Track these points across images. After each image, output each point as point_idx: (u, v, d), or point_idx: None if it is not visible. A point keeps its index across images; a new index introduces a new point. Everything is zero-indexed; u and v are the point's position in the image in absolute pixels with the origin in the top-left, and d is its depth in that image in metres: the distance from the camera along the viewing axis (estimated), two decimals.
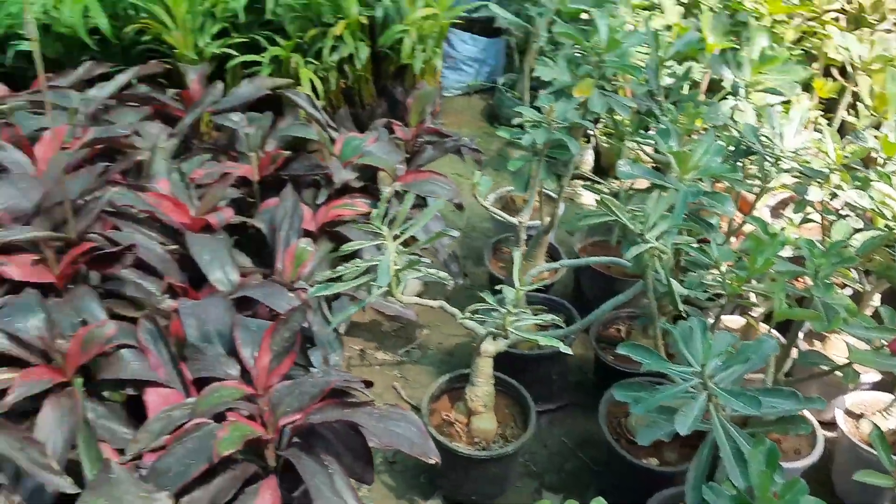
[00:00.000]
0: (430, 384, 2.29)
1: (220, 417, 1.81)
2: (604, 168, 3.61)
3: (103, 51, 3.16)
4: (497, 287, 2.00)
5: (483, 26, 4.18)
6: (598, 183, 2.76)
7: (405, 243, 1.97)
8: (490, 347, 2.09)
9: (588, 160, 3.67)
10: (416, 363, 2.69)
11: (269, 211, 2.51)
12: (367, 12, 3.35)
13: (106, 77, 2.99)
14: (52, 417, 1.77)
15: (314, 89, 3.20)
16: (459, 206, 2.73)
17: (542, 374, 2.43)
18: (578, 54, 2.46)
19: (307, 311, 2.09)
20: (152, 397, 1.90)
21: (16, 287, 2.04)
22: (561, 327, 2.11)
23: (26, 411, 1.81)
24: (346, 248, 1.98)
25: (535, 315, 2.00)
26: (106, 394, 1.94)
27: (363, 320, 2.81)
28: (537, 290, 2.52)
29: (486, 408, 2.15)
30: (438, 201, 2.37)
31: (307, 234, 2.47)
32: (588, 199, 3.52)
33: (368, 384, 1.93)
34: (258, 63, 3.22)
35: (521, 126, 2.31)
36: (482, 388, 2.13)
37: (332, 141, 2.81)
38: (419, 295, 2.82)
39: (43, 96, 2.66)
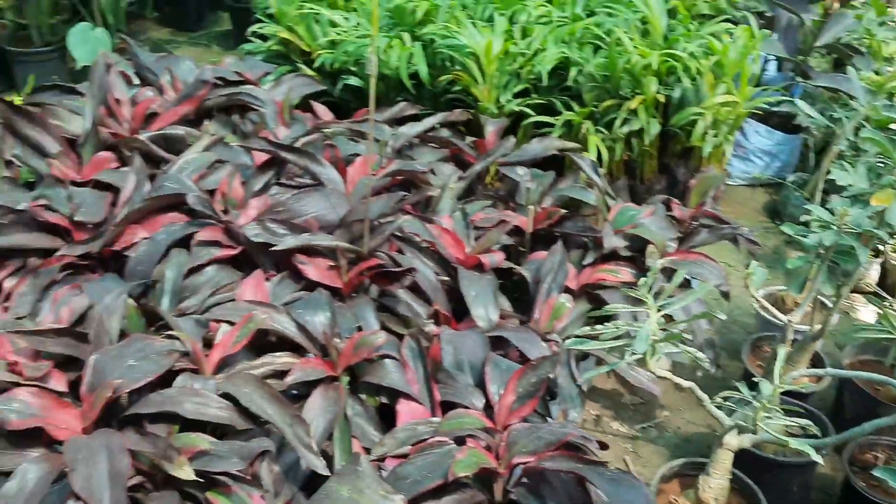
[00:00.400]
0: (662, 465, 2.26)
1: (459, 441, 1.93)
2: (889, 286, 3.36)
3: (416, 94, 3.48)
4: (753, 380, 1.96)
5: (781, 120, 4.08)
6: (884, 299, 2.59)
7: (664, 318, 1.99)
8: (734, 441, 2.03)
9: (873, 275, 3.43)
10: (651, 442, 2.66)
11: (536, 263, 2.62)
12: (665, 91, 3.41)
13: (415, 118, 3.30)
14: (318, 405, 1.98)
15: (599, 157, 3.30)
16: (725, 295, 2.68)
17: (782, 483, 2.30)
18: (881, 163, 2.35)
19: (556, 363, 2.16)
20: (403, 408, 2.06)
21: (311, 285, 2.31)
22: (815, 437, 2.01)
23: (298, 395, 2.05)
24: (608, 309, 2.03)
25: (789, 417, 1.93)
26: (363, 396, 2.13)
27: (605, 387, 2.82)
28: (794, 395, 2.41)
29: (717, 502, 2.08)
30: (705, 284, 2.36)
31: (567, 290, 2.55)
32: (865, 314, 3.29)
33: (603, 446, 1.96)
34: (550, 124, 3.38)
35: (806, 225, 2.25)
36: (717, 481, 2.07)
37: (608, 208, 2.89)
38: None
39: (364, 126, 3.03)
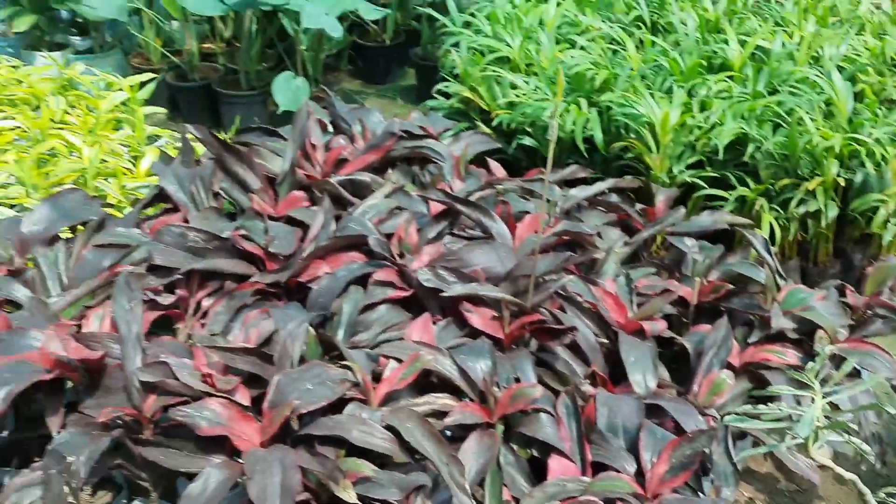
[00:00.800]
0: None
1: (607, 503, 1.96)
2: None
3: (588, 158, 3.56)
4: None
5: None
6: None
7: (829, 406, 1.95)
8: None
9: None
10: None
11: (699, 335, 2.61)
12: (846, 175, 3.32)
13: (585, 181, 3.38)
14: (473, 449, 2.07)
15: (771, 235, 3.25)
16: None
17: None
18: None
19: (713, 438, 2.14)
20: (554, 464, 2.11)
21: (474, 333, 2.41)
22: None
23: (453, 437, 2.14)
24: (771, 389, 2.01)
25: None
26: (514, 446, 2.19)
27: (759, 469, 2.75)
28: None
29: None
30: (875, 376, 2.28)
31: (729, 367, 2.52)
32: None
33: None
34: (722, 198, 3.37)
35: None
36: None
37: (778, 288, 2.83)
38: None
39: (535, 186, 3.14)
